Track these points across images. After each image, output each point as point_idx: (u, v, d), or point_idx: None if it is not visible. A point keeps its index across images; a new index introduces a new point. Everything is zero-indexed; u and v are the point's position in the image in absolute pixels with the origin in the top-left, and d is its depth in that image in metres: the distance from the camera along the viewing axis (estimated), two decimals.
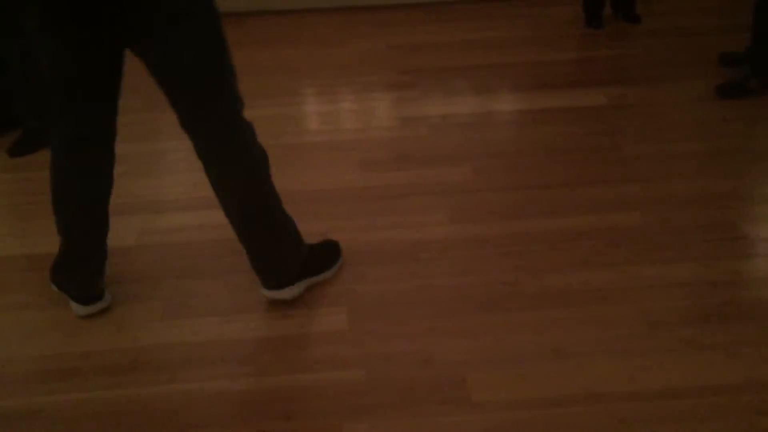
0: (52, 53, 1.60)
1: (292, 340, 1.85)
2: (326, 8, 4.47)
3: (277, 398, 1.68)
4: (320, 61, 3.69)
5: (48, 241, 2.21)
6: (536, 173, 2.55)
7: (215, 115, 1.73)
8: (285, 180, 2.56)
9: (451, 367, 1.75)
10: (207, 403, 1.67)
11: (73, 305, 1.94)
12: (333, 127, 2.98)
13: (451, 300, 1.97)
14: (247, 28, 4.24)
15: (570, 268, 2.07)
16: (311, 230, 2.26)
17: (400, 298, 1.98)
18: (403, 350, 1.81)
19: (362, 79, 3.43)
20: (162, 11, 1.54)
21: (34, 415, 1.66)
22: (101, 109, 1.73)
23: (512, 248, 2.16)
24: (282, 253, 1.92)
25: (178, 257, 2.17)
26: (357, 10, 4.43)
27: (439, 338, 1.84)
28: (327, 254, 2.07)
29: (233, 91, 1.74)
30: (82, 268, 1.92)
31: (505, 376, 1.71)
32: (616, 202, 2.36)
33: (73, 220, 1.87)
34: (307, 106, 3.22)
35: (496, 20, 4.16)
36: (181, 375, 1.75)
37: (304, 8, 4.47)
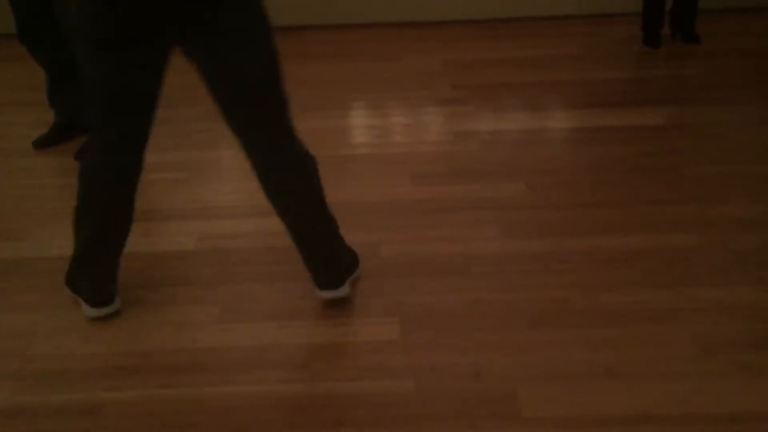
0: (103, 68, 1.65)
1: (344, 348, 1.87)
2: (382, 23, 4.54)
3: (329, 405, 1.71)
4: (375, 75, 3.75)
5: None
6: (590, 191, 2.54)
7: (278, 125, 1.77)
8: (337, 191, 2.61)
9: (501, 381, 1.75)
10: (260, 406, 1.71)
11: (84, 307, 2.00)
12: (385, 141, 3.02)
13: (502, 314, 1.97)
14: (306, 41, 4.33)
15: (623, 288, 2.05)
16: (363, 241, 2.30)
17: (451, 310, 1.99)
18: (454, 362, 1.82)
19: (416, 94, 3.47)
20: (221, 22, 1.60)
21: (95, 410, 1.72)
22: (140, 122, 1.79)
23: (565, 265, 2.15)
24: (337, 251, 1.99)
25: (235, 263, 2.22)
26: (412, 26, 4.49)
27: (489, 352, 1.84)
28: (350, 249, 2.11)
29: (287, 101, 1.79)
30: (96, 272, 1.98)
31: (556, 393, 1.71)
32: (672, 223, 2.33)
33: (99, 224, 1.91)
34: (360, 119, 3.27)
35: (551, 38, 4.16)
36: (236, 377, 1.79)
37: (361, 23, 4.54)
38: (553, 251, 2.22)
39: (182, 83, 3.46)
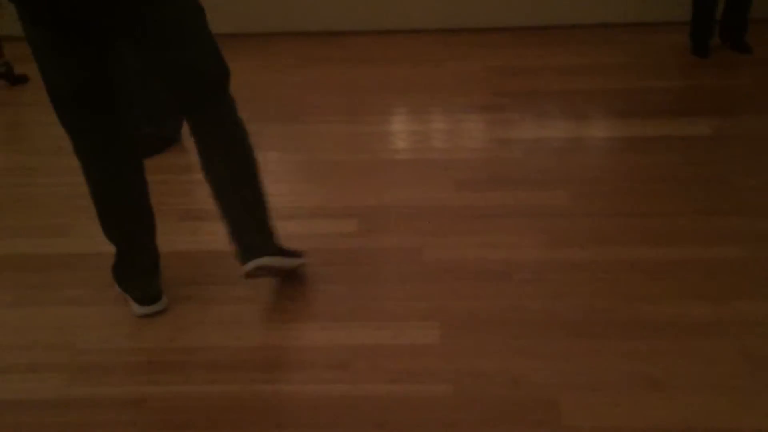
0: (60, 67, 1.73)
1: (384, 351, 1.88)
2: (425, 29, 4.55)
3: (369, 407, 1.72)
4: (417, 80, 3.76)
5: (170, 240, 2.33)
6: (634, 201, 2.51)
7: (226, 103, 1.90)
8: (379, 195, 2.63)
9: (541, 389, 1.74)
10: (302, 406, 1.73)
11: (133, 305, 2.05)
12: (428, 146, 3.03)
13: (543, 322, 1.96)
14: (347, 46, 4.37)
15: (668, 299, 2.02)
16: (405, 245, 2.31)
17: (492, 316, 1.99)
18: (494, 368, 1.81)
19: (458, 100, 3.47)
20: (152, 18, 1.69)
21: (139, 403, 1.76)
22: (108, 119, 1.85)
23: (608, 275, 2.13)
24: (266, 218, 2.04)
25: None
26: (455, 32, 4.50)
27: (530, 359, 1.83)
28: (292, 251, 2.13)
29: (227, 76, 1.90)
30: (134, 269, 2.04)
31: (597, 403, 1.69)
32: (719, 235, 2.29)
33: (118, 226, 2.00)
34: (402, 124, 3.29)
35: (598, 46, 4.12)
36: (279, 376, 1.81)
37: (403, 29, 4.57)
38: (596, 260, 2.20)
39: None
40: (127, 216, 2.00)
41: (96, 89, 1.79)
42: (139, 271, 2.05)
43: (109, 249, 2.34)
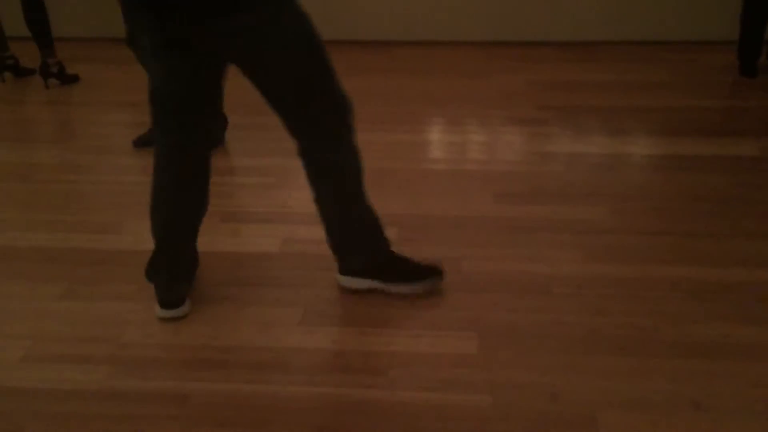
0: (165, 71, 1.80)
1: (422, 358, 1.89)
2: (470, 42, 4.57)
3: (405, 413, 1.72)
4: (460, 92, 3.78)
5: (211, 241, 2.38)
6: (678, 220, 2.48)
7: (321, 121, 1.92)
8: (418, 205, 2.64)
9: (580, 405, 1.73)
10: (339, 409, 1.74)
11: (155, 306, 2.08)
12: (467, 157, 3.04)
13: (583, 338, 1.95)
14: (393, 56, 4.40)
15: (712, 320, 1.99)
16: (445, 255, 2.32)
17: (531, 329, 1.98)
18: (532, 381, 1.81)
19: (500, 113, 3.48)
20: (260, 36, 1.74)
21: (183, 399, 1.79)
22: (200, 122, 1.92)
23: (650, 293, 2.11)
24: (361, 239, 2.10)
25: (319, 267, 2.28)
26: (499, 45, 4.50)
27: (569, 374, 1.82)
28: (410, 271, 2.13)
29: (336, 96, 1.93)
30: (165, 271, 2.08)
31: (637, 422, 1.68)
32: (765, 258, 2.25)
33: (164, 226, 2.04)
34: (444, 135, 3.30)
35: (643, 63, 4.09)
36: (317, 378, 1.83)
37: (449, 40, 4.59)
38: (637, 278, 2.18)
39: None
40: (178, 220, 2.05)
41: (192, 95, 1.87)
42: (169, 274, 2.09)
43: (153, 247, 2.40)
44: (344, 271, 2.14)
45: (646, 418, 1.69)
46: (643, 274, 2.20)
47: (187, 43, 1.75)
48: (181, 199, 2.01)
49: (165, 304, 2.07)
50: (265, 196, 2.74)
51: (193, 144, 1.95)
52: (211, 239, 2.40)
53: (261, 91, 1.86)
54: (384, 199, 2.69)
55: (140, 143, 3.17)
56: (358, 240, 2.11)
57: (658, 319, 2.00)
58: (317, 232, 2.48)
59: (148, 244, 2.24)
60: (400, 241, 2.41)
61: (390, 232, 2.46)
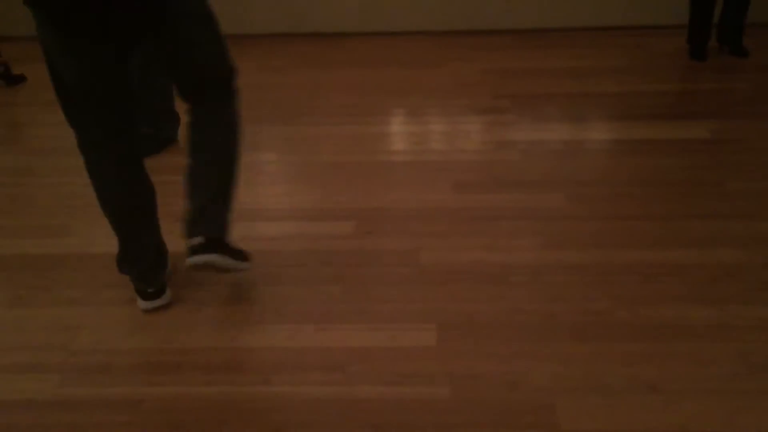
0: (73, 66, 1.74)
1: (381, 353, 1.88)
2: (423, 31, 4.55)
3: (365, 409, 1.71)
4: (415, 82, 3.76)
5: (166, 240, 2.32)
6: (633, 204, 2.51)
7: (222, 83, 1.93)
8: (377, 197, 2.62)
9: (539, 392, 1.74)
10: (298, 407, 1.72)
11: (138, 299, 2.06)
12: (426, 148, 3.03)
13: (540, 325, 1.95)
14: (347, 48, 4.37)
15: (666, 302, 2.01)
16: (402, 247, 2.30)
17: (489, 319, 1.98)
18: (491, 371, 1.81)
19: (456, 102, 3.47)
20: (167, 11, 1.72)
21: (136, 404, 1.75)
22: (117, 115, 1.86)
23: (606, 278, 2.13)
24: (225, 211, 1.99)
25: (275, 265, 2.25)
26: (453, 34, 4.50)
27: (527, 362, 1.83)
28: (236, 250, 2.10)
29: (233, 70, 1.95)
30: (137, 264, 2.04)
31: (595, 406, 1.69)
32: (718, 239, 2.29)
33: (118, 221, 2.00)
34: (400, 126, 3.28)
35: (595, 49, 4.13)
36: (275, 378, 1.81)
37: (402, 31, 4.57)
38: (593, 263, 2.20)
39: None
40: (128, 213, 2.00)
41: (108, 86, 1.80)
42: (141, 266, 2.04)
43: (105, 250, 2.35)
44: (223, 246, 1.97)
45: (603, 402, 1.70)
46: (598, 259, 2.22)
47: (93, 31, 1.70)
48: (122, 191, 1.97)
49: (144, 295, 2.04)
50: None
51: (116, 136, 1.90)
52: (166, 240, 2.34)
53: (166, 55, 1.82)
54: (341, 193, 2.67)
55: None
56: (222, 208, 1.99)
57: (614, 304, 2.02)
58: (274, 229, 2.46)
59: (98, 246, 2.19)
60: (358, 235, 2.39)
61: (347, 226, 2.45)
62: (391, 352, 1.88)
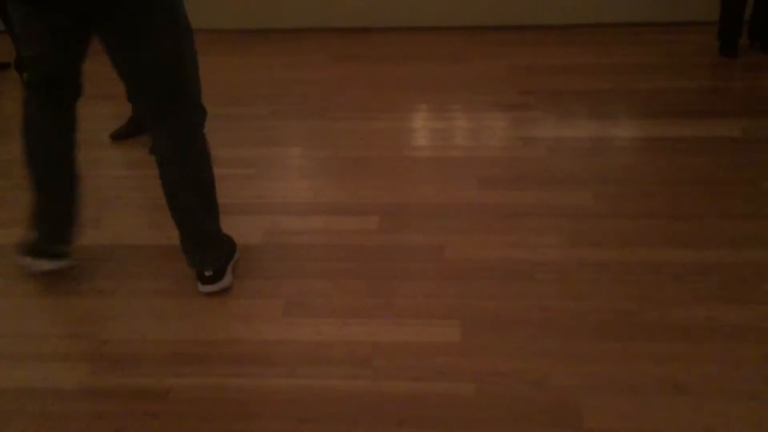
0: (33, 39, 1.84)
1: (406, 348, 1.88)
2: (448, 27, 4.53)
3: (390, 403, 1.71)
4: (441, 78, 3.75)
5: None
6: (662, 202, 2.48)
7: (175, 120, 1.92)
8: (402, 192, 2.62)
9: (564, 390, 1.73)
10: (323, 401, 1.73)
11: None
12: (452, 144, 3.02)
13: (566, 323, 1.94)
14: (371, 42, 4.36)
15: (696, 302, 1.99)
16: (427, 243, 2.30)
17: (515, 316, 1.98)
18: (516, 369, 1.80)
19: (482, 98, 3.45)
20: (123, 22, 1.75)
21: (162, 394, 1.77)
22: (68, 65, 1.94)
23: (634, 277, 2.11)
24: (213, 232, 2.12)
25: (301, 258, 2.26)
26: (480, 30, 4.47)
27: (552, 360, 1.82)
28: (228, 238, 2.22)
29: (194, 101, 1.94)
30: (49, 220, 2.12)
31: (620, 406, 1.67)
32: (748, 238, 2.26)
33: (43, 173, 2.07)
34: (425, 121, 3.27)
35: (624, 45, 4.08)
36: (300, 371, 1.82)
37: (428, 26, 4.55)
38: (621, 261, 2.18)
39: (253, 80, 3.54)
40: (45, 182, 2.08)
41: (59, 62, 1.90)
42: (50, 222, 2.13)
43: (131, 241, 2.37)
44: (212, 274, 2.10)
45: (629, 402, 1.68)
46: (626, 257, 2.19)
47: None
48: (53, 145, 2.06)
49: (50, 254, 2.14)
50: (245, 188, 2.71)
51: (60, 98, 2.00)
52: (168, 234, 2.36)
53: (113, 48, 1.83)
54: (366, 188, 2.67)
55: (118, 136, 3.13)
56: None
57: (641, 303, 2.00)
58: (298, 223, 2.47)
59: (128, 238, 2.22)
60: (383, 230, 2.39)
61: (372, 221, 2.45)
62: (416, 347, 1.88)
